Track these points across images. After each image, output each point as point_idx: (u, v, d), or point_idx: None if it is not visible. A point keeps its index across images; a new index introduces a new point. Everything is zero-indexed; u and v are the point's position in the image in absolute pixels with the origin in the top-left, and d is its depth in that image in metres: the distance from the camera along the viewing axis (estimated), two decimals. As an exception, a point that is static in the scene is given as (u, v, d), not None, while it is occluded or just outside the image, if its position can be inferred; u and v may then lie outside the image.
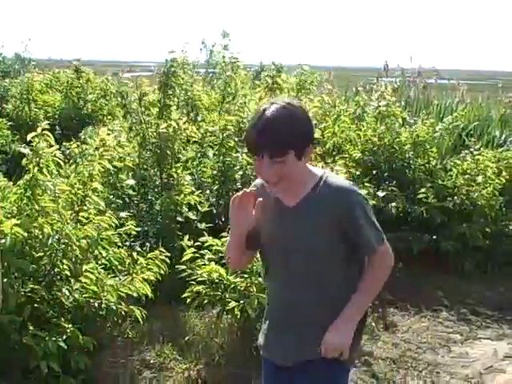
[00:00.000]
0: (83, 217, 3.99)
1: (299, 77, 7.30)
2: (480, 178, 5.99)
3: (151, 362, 3.99)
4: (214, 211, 5.47)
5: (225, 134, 5.77)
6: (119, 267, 4.02)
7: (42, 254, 3.63)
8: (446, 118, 7.14)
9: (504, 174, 6.12)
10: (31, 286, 3.49)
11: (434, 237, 5.86)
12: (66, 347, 3.36)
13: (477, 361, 4.49)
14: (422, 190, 5.94)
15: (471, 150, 6.36)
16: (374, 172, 6.20)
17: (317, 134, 6.17)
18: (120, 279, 3.89)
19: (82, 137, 6.29)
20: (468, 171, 6.07)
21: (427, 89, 9.42)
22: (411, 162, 6.30)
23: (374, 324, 4.81)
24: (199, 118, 6.55)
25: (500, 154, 6.33)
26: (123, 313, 3.79)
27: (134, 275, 3.92)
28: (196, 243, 4.29)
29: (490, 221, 5.98)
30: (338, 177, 2.45)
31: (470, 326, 5.04)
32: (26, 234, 3.50)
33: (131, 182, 5.25)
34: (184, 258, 4.21)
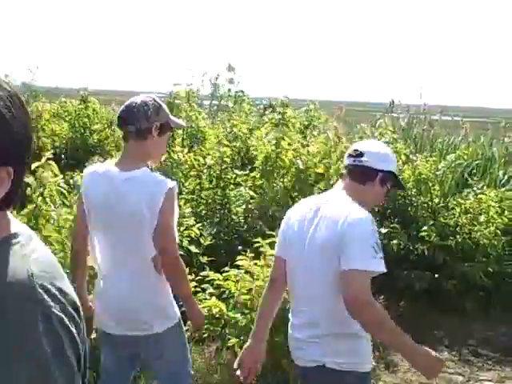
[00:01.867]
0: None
1: (307, 113, 7.39)
2: (482, 218, 5.99)
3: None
4: (214, 243, 5.46)
5: (223, 167, 5.80)
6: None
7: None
8: (449, 156, 7.18)
9: (506, 213, 6.11)
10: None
11: (436, 275, 5.83)
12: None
13: (478, 403, 4.46)
14: (425, 227, 5.93)
15: (474, 188, 6.38)
16: (377, 209, 6.20)
17: (320, 170, 6.20)
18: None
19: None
20: (470, 210, 6.08)
21: (432, 126, 9.47)
22: (414, 199, 6.32)
23: (374, 363, 4.77)
24: (202, 151, 6.58)
25: (502, 194, 6.34)
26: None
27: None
28: (197, 277, 4.29)
29: (492, 260, 5.96)
30: None
31: (472, 367, 5.00)
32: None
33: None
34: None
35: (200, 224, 5.34)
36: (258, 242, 4.35)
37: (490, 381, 4.83)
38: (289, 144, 5.97)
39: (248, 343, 2.74)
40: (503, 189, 6.63)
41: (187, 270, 4.48)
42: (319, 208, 2.53)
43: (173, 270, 2.79)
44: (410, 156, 6.87)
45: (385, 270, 2.36)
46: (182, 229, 5.16)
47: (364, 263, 2.32)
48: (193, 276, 4.29)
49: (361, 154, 2.57)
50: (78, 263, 2.86)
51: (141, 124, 2.69)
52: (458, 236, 5.98)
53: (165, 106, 2.84)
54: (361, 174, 2.57)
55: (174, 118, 2.97)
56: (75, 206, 3.04)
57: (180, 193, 5.68)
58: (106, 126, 8.84)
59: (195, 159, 5.75)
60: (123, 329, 2.78)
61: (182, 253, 5.03)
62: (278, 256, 2.72)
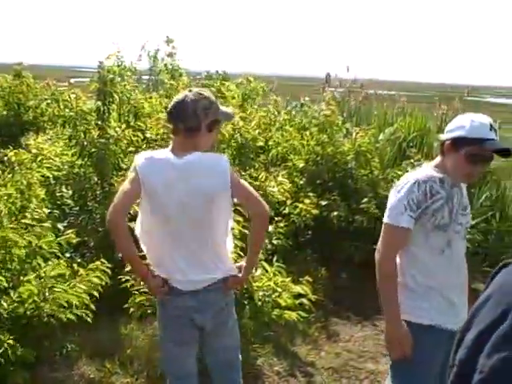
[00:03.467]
0: (23, 225, 3.85)
1: (245, 87, 7.30)
2: (421, 189, 6.09)
3: (91, 376, 3.87)
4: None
5: (167, 143, 5.69)
6: (58, 279, 3.89)
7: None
8: (387, 129, 7.27)
9: (443, 184, 6.24)
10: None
11: (375, 246, 5.91)
12: (2, 361, 3.23)
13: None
14: (365, 199, 6.00)
15: (411, 160, 6.48)
16: (318, 182, 6.24)
17: (260, 143, 6.19)
18: (60, 291, 3.76)
19: (23, 144, 6.10)
20: (408, 182, 6.17)
21: (368, 100, 9.58)
22: (354, 172, 6.37)
23: (316, 334, 4.83)
24: (142, 126, 6.43)
25: (439, 165, 6.47)
26: (66, 319, 3.64)
27: (77, 285, 3.80)
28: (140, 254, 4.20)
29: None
30: None
31: (411, 333, 5.12)
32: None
33: (70, 191, 5.14)
34: (126, 268, 4.11)
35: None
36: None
37: (428, 347, 4.96)
38: (228, 118, 5.89)
39: None
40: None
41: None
42: None
43: (266, 228, 3.16)
44: (350, 129, 6.93)
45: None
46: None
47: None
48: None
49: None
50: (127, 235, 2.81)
51: (190, 122, 2.75)
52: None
53: (214, 101, 2.86)
54: None
55: (223, 109, 2.99)
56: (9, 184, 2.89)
57: (119, 170, 5.55)
58: (41, 102, 8.51)
59: (134, 135, 5.61)
60: None
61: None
62: None
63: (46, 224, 3.85)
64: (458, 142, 2.62)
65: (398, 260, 2.72)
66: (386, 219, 2.71)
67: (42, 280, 3.63)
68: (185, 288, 2.81)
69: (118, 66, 6.37)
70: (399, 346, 2.64)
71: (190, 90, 2.85)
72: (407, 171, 6.22)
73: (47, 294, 3.57)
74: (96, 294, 3.79)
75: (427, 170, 2.71)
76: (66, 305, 3.59)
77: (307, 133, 6.59)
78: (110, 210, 2.78)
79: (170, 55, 9.26)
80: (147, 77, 9.78)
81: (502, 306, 0.87)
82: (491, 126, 2.62)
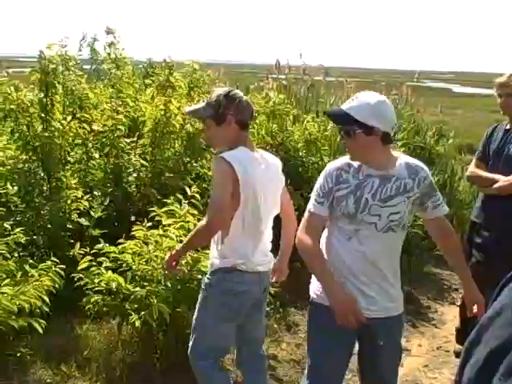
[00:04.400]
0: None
1: (191, 75, 7.15)
2: (371, 175, 6.13)
3: (48, 381, 3.70)
4: (107, 215, 5.22)
5: (115, 135, 5.53)
6: (9, 281, 3.73)
7: None
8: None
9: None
10: None
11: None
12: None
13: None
14: (317, 187, 5.98)
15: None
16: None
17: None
18: (11, 293, 3.60)
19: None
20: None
21: (314, 86, 9.57)
22: (304, 159, 6.35)
23: (276, 326, 4.79)
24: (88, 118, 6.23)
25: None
26: (17, 326, 3.51)
27: (27, 288, 3.64)
28: (92, 251, 4.08)
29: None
30: None
31: (368, 320, 5.15)
32: None
33: (15, 188, 4.93)
34: (79, 267, 3.99)
35: (89, 195, 5.08)
36: (154, 212, 4.20)
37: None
38: (178, 108, 5.77)
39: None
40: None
41: (78, 244, 4.28)
42: None
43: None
44: (299, 116, 6.91)
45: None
46: (69, 201, 4.91)
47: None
48: (87, 250, 4.08)
49: None
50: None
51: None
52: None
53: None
54: None
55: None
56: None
57: (65, 163, 5.37)
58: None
59: (80, 127, 5.43)
60: None
61: (71, 226, 4.81)
62: None
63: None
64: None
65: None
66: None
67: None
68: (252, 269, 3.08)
69: (61, 55, 6.12)
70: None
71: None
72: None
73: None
74: (47, 299, 3.64)
75: (345, 158, 2.73)
76: (16, 310, 3.44)
77: (257, 122, 6.52)
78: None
79: (112, 45, 9.01)
80: (89, 67, 9.49)
81: None
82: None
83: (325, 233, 2.81)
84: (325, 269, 2.67)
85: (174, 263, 3.20)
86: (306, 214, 2.77)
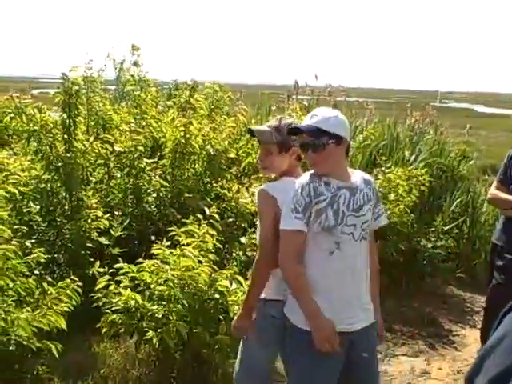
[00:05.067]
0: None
1: (212, 96, 7.23)
2: (392, 196, 6.11)
3: (64, 399, 3.75)
4: (127, 234, 5.27)
5: (135, 155, 5.60)
6: (28, 298, 3.77)
7: None
8: (358, 137, 7.27)
9: (414, 191, 6.26)
10: None
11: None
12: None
13: (395, 379, 4.54)
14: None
15: (382, 168, 6.49)
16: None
17: (232, 155, 6.12)
18: (28, 311, 3.64)
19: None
20: (380, 189, 6.17)
21: (337, 107, 9.58)
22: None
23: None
24: (109, 138, 6.32)
25: (409, 172, 6.49)
26: (34, 348, 3.54)
27: (45, 307, 3.68)
28: (110, 270, 4.11)
29: (402, 238, 6.10)
30: None
31: (387, 343, 5.10)
32: None
33: (38, 207, 5.01)
34: (98, 286, 4.02)
35: (109, 214, 5.14)
36: (173, 231, 4.23)
37: (405, 355, 4.95)
38: (198, 130, 5.83)
39: None
40: (410, 167, 6.79)
41: (98, 262, 4.32)
42: None
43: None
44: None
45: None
46: (89, 220, 4.96)
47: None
48: (105, 269, 4.12)
49: None
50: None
51: None
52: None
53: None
54: None
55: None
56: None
57: (87, 183, 5.44)
58: (4, 115, 8.29)
59: (102, 147, 5.51)
60: None
61: (91, 245, 4.86)
62: None
63: (10, 246, 3.71)
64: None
65: None
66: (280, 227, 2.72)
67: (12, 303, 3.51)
68: None
69: (86, 77, 6.24)
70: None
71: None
72: (378, 179, 6.27)
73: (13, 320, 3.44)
74: (63, 325, 3.66)
75: (310, 173, 2.74)
76: (35, 330, 3.47)
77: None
78: None
79: (136, 64, 9.13)
80: (113, 87, 9.64)
81: None
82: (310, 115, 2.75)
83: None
84: (308, 293, 2.64)
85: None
86: (283, 234, 2.68)
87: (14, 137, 6.68)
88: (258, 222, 3.01)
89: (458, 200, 7.28)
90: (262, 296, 2.94)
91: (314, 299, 2.62)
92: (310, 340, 2.61)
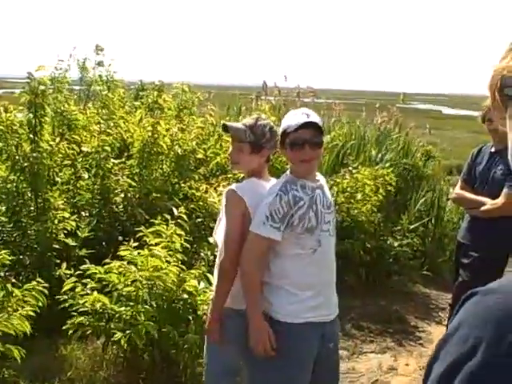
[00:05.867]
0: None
1: (180, 97, 7.21)
2: (359, 196, 6.17)
3: (30, 402, 3.70)
4: (94, 235, 5.23)
5: (102, 156, 5.55)
6: (-9, 301, 3.71)
7: None
8: (325, 138, 7.33)
9: (381, 190, 6.34)
10: None
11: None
12: None
13: (363, 376, 4.59)
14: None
15: (350, 168, 6.55)
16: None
17: (200, 155, 6.11)
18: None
19: None
20: (348, 189, 6.23)
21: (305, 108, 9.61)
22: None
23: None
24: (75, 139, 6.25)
25: (376, 172, 6.57)
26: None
27: (10, 309, 3.62)
28: (77, 272, 4.07)
29: (369, 237, 6.17)
30: None
31: (355, 340, 5.15)
32: None
33: (3, 207, 4.93)
34: (64, 288, 3.98)
35: (76, 215, 5.09)
36: (140, 231, 4.21)
37: (372, 352, 5.00)
38: (166, 130, 5.81)
39: None
40: (377, 167, 6.87)
41: (65, 264, 4.28)
42: None
43: None
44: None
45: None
46: (56, 221, 4.91)
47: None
48: (71, 271, 4.08)
49: None
50: None
51: None
52: (337, 214, 6.11)
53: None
54: None
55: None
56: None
57: (54, 184, 5.38)
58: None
59: (69, 147, 5.45)
60: None
61: (58, 247, 4.81)
62: None
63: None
64: (281, 140, 2.80)
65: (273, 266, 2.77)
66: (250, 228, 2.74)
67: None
68: None
69: (53, 77, 6.17)
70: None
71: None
72: (346, 178, 6.33)
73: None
74: (28, 329, 3.61)
75: (287, 178, 2.77)
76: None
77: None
78: None
79: (100, 64, 9.02)
80: (77, 87, 9.51)
81: (470, 340, 0.83)
82: (303, 113, 2.77)
83: (280, 256, 2.76)
84: (257, 292, 2.73)
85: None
86: (254, 236, 2.71)
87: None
88: (220, 222, 3.01)
89: (424, 199, 7.38)
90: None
91: (259, 302, 2.72)
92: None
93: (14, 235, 4.86)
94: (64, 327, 3.88)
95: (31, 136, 5.17)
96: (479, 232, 4.14)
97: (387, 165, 7.30)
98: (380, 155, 7.66)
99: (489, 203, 4.02)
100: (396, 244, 6.38)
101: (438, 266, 6.83)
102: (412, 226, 6.88)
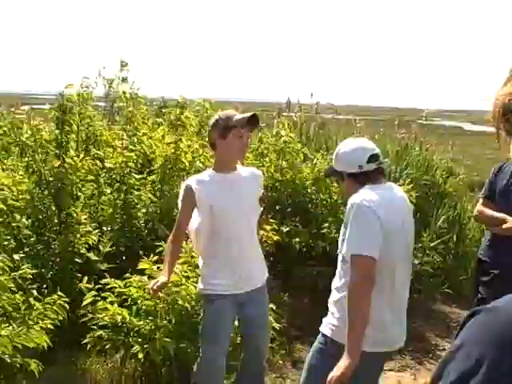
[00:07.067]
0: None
1: (201, 113, 7.27)
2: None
3: (50, 414, 3.74)
4: (115, 250, 5.28)
5: (125, 171, 5.63)
6: (13, 314, 3.77)
7: None
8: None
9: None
10: None
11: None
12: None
13: (382, 393, 4.56)
14: (325, 224, 6.02)
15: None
16: (278, 207, 6.25)
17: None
18: (14, 328, 3.63)
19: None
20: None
21: (325, 125, 9.65)
22: (313, 197, 6.40)
23: (281, 362, 4.78)
24: (99, 155, 6.33)
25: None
26: (18, 365, 3.53)
27: (30, 322, 3.68)
28: (97, 285, 4.13)
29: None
30: None
31: (374, 358, 5.12)
32: None
33: (26, 221, 5.01)
34: (84, 302, 4.03)
35: (98, 230, 5.15)
36: (161, 246, 4.25)
37: (391, 370, 4.97)
38: (188, 146, 5.88)
39: None
40: (397, 183, 6.84)
41: (86, 278, 4.33)
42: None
43: None
44: (308, 154, 6.97)
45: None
46: (78, 235, 4.97)
47: None
48: (91, 285, 4.13)
49: None
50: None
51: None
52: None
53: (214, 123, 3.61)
54: None
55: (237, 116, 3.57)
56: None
57: (77, 198, 5.46)
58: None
59: (92, 163, 5.53)
60: None
61: (79, 261, 4.87)
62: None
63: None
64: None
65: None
66: (353, 250, 2.71)
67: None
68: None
69: (79, 94, 6.26)
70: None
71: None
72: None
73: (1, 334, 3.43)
74: (47, 342, 3.65)
75: (370, 194, 2.84)
76: (11, 352, 3.46)
77: (267, 159, 6.60)
78: None
79: (124, 80, 9.13)
80: (102, 103, 9.62)
81: (473, 356, 0.84)
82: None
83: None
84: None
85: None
86: (362, 259, 2.68)
87: (3, 153, 6.68)
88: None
89: (445, 216, 7.33)
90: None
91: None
92: None
93: (38, 248, 4.94)
94: (83, 341, 3.93)
95: (57, 152, 5.28)
96: (499, 249, 4.11)
97: (407, 181, 7.27)
98: (399, 169, 7.63)
99: (510, 221, 3.99)
100: (417, 262, 6.34)
101: (459, 283, 6.77)
102: (433, 244, 6.83)
